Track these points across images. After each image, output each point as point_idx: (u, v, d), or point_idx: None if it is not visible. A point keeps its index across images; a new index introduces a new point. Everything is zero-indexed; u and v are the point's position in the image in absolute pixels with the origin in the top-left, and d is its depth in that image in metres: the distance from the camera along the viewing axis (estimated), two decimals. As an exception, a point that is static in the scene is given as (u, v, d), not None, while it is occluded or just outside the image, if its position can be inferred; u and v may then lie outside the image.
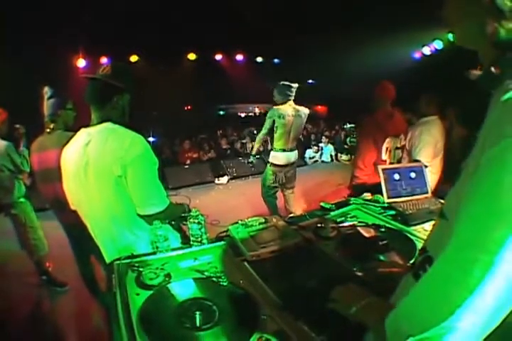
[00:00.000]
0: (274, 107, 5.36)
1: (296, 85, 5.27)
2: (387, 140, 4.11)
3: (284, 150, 5.40)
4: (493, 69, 0.90)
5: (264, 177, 5.63)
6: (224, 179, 9.73)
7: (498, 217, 0.72)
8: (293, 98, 5.31)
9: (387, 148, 4.12)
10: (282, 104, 5.30)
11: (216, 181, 9.68)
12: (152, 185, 2.18)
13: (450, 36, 9.24)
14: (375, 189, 2.73)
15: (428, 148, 3.93)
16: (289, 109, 5.26)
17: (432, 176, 3.69)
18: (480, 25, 0.89)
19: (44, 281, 4.40)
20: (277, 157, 5.45)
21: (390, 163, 4.05)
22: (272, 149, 5.61)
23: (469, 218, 0.77)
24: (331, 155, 12.05)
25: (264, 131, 5.51)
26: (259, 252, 1.82)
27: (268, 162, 5.60)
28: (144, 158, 2.13)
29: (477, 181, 0.78)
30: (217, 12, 9.55)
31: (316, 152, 12.00)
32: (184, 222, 2.33)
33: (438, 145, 4.01)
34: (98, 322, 3.51)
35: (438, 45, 10.46)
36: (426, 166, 3.83)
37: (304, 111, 5.36)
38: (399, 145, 4.17)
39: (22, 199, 4.26)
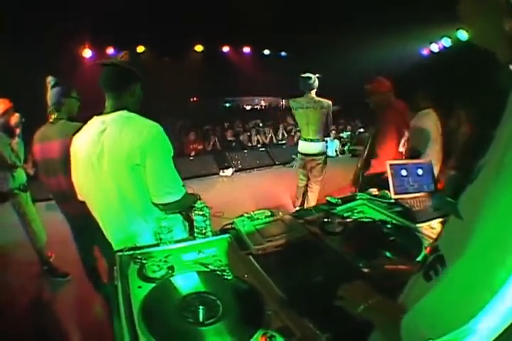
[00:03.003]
0: (290, 99, 5.76)
1: (314, 76, 5.43)
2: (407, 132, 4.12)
3: (305, 140, 5.69)
4: (511, 67, 0.87)
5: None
6: (229, 171, 9.71)
7: None
8: (314, 89, 5.50)
9: (404, 141, 4.12)
10: (301, 95, 5.54)
11: (221, 173, 9.67)
12: (170, 173, 2.18)
13: (459, 34, 9.21)
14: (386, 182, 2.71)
15: (420, 137, 4.08)
16: (304, 100, 5.49)
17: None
18: (497, 22, 0.85)
19: (46, 271, 4.40)
20: (300, 145, 5.81)
21: (405, 157, 4.03)
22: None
23: (495, 219, 0.74)
24: (336, 150, 12.00)
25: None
26: (265, 246, 1.81)
27: None
28: (162, 146, 2.15)
29: (504, 183, 0.75)
30: (225, 4, 9.50)
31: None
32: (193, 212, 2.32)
33: (433, 134, 4.12)
34: (100, 314, 3.52)
35: (446, 42, 10.41)
36: (419, 151, 3.90)
37: (324, 103, 5.44)
38: (406, 138, 4.18)
39: (17, 191, 4.24)
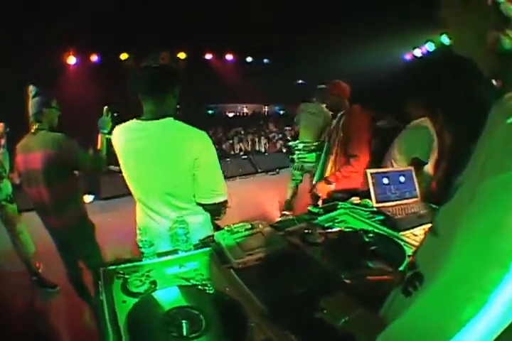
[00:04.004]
0: (303, 102, 6.37)
1: (321, 86, 5.88)
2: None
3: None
4: (494, 81, 0.86)
5: None
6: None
7: (495, 256, 0.70)
8: (317, 98, 6.09)
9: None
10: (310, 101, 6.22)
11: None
12: (221, 176, 2.36)
13: (443, 38, 9.20)
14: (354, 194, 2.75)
15: (424, 146, 4.06)
16: (313, 106, 6.10)
17: (428, 176, 3.95)
18: (479, 33, 0.85)
19: (35, 282, 4.37)
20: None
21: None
22: None
23: (465, 253, 0.75)
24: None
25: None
26: (246, 259, 1.80)
27: None
28: (214, 152, 2.27)
29: (476, 214, 0.75)
30: (207, 11, 9.51)
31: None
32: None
33: (433, 144, 4.11)
34: (89, 325, 3.50)
35: (430, 47, 10.40)
36: (424, 162, 3.92)
37: (327, 113, 5.48)
38: None
39: (3, 202, 4.22)
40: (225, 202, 2.39)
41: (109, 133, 3.28)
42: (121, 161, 2.33)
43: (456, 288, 0.73)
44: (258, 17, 9.49)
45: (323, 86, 5.63)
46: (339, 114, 4.28)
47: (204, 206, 2.37)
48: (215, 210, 2.44)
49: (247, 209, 5.85)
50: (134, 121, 2.26)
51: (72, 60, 10.67)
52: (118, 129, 2.34)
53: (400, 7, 7.16)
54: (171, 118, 2.22)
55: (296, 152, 5.72)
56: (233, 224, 2.12)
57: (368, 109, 4.19)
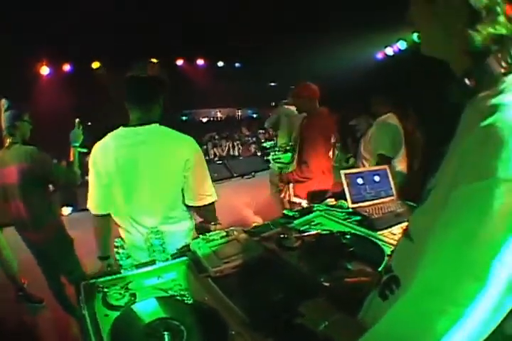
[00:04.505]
0: (283, 104, 5.98)
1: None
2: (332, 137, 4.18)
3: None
4: (467, 81, 0.81)
5: None
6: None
7: (469, 268, 0.67)
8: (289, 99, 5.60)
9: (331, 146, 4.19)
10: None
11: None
12: (209, 178, 2.46)
13: (415, 36, 9.20)
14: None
15: (387, 141, 4.08)
16: (287, 107, 5.75)
17: (399, 172, 3.96)
18: (449, 31, 0.82)
19: (21, 297, 4.31)
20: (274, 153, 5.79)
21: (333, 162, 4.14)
22: None
23: (438, 263, 0.72)
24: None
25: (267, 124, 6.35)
26: (222, 268, 1.78)
27: None
28: (202, 154, 2.41)
29: (450, 222, 0.73)
30: (176, 17, 9.48)
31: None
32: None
33: (399, 139, 4.15)
34: (76, 338, 3.47)
35: (401, 45, 10.41)
36: (390, 158, 3.93)
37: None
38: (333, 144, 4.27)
39: None
40: (215, 202, 2.48)
41: (81, 145, 3.27)
42: (106, 170, 2.30)
43: (429, 300, 0.71)
44: (227, 20, 9.49)
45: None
46: (303, 117, 4.31)
47: (196, 209, 2.46)
48: (207, 212, 2.50)
49: (226, 215, 5.83)
50: (121, 128, 2.30)
51: (45, 70, 10.59)
52: (106, 140, 2.34)
53: (372, 6, 7.20)
54: (157, 124, 2.28)
55: (271, 153, 5.66)
56: (208, 233, 2.10)
57: (340, 109, 4.20)
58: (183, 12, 9.36)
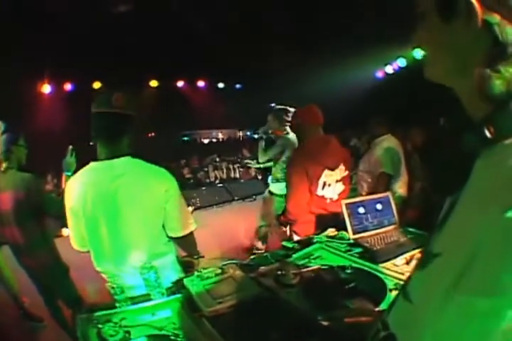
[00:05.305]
0: (288, 135, 4.93)
1: (293, 110, 4.57)
2: (325, 173, 3.31)
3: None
4: (486, 129, 0.59)
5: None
6: (187, 210, 9.41)
7: None
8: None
9: (324, 183, 3.34)
10: (280, 130, 4.99)
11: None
12: (186, 207, 2.40)
13: (415, 52, 9.04)
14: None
15: (390, 160, 4.05)
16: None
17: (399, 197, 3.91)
18: (463, 63, 0.64)
19: (22, 316, 4.27)
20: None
21: (331, 200, 3.39)
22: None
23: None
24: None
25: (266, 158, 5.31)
26: (217, 308, 1.69)
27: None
28: (177, 185, 2.27)
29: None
30: (177, 39, 9.56)
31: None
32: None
33: (398, 158, 4.14)
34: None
35: (401, 62, 10.38)
36: (391, 175, 3.87)
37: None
38: (339, 178, 3.41)
39: None
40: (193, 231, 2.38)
41: (73, 174, 3.22)
42: (84, 208, 2.12)
43: None
44: (227, 42, 9.56)
45: (282, 107, 4.99)
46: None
47: (177, 241, 2.33)
48: (189, 244, 2.41)
49: (226, 240, 5.74)
50: (94, 163, 2.16)
51: (46, 88, 10.69)
52: (79, 175, 2.21)
53: (373, 25, 7.20)
54: (129, 157, 2.14)
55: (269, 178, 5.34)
56: (203, 269, 2.03)
57: (342, 129, 4.15)
58: (184, 34, 9.44)
